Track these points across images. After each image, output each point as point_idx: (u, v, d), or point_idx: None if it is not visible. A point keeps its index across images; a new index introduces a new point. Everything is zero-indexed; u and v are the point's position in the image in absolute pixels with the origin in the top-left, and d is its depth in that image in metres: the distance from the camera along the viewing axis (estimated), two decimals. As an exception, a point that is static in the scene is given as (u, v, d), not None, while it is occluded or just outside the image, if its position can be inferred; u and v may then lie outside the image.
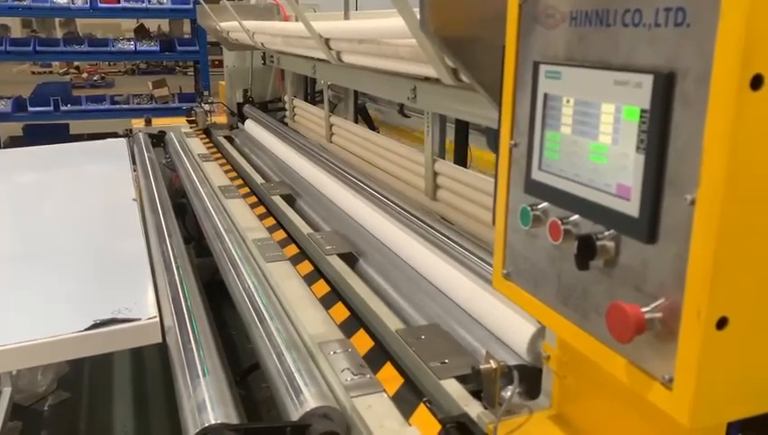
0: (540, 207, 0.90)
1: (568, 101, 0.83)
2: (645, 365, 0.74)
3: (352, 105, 3.15)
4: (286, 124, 3.68)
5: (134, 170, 3.04)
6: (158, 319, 1.50)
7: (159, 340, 1.51)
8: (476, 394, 1.23)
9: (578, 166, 0.82)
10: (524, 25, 0.92)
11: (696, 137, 0.65)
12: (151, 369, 2.55)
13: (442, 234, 1.80)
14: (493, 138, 2.27)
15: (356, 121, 3.16)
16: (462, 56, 1.16)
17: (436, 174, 2.15)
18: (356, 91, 3.14)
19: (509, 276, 1.01)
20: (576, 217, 0.84)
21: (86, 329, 1.44)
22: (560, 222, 0.84)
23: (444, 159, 2.18)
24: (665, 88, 0.68)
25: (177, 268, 1.83)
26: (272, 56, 3.72)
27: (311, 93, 3.86)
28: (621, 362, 0.78)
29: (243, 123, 3.94)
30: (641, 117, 0.71)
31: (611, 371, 0.80)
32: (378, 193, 2.19)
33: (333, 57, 2.13)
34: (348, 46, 2.02)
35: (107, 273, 1.77)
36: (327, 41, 2.10)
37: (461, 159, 2.25)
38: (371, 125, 3.34)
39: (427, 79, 1.99)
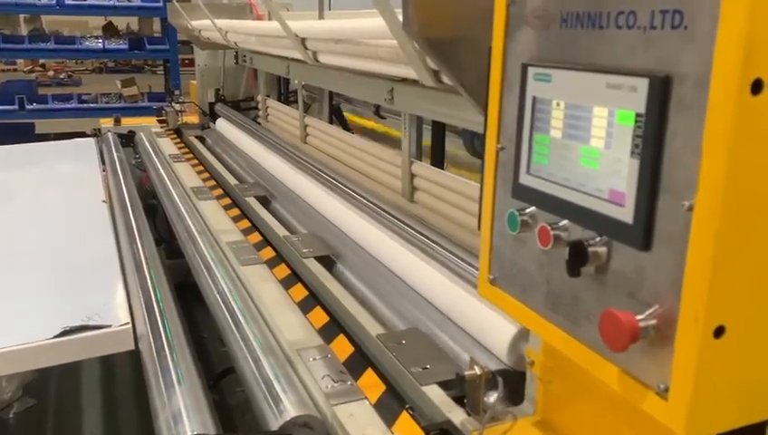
0: (528, 211, 0.88)
1: (558, 105, 0.81)
2: (639, 374, 0.73)
3: (327, 106, 3.12)
4: (259, 124, 3.64)
5: (103, 171, 2.98)
6: (130, 325, 1.46)
7: (132, 347, 1.46)
8: (459, 400, 1.21)
9: (568, 170, 0.81)
10: (512, 27, 0.90)
11: (693, 142, 0.64)
12: (122, 375, 2.48)
13: (421, 234, 1.77)
14: (469, 140, 2.27)
15: (330, 122, 3.13)
16: (445, 57, 1.14)
17: (413, 176, 2.13)
18: (331, 92, 3.11)
19: (495, 282, 0.99)
20: (566, 222, 0.82)
21: (55, 336, 1.40)
22: (549, 227, 0.83)
23: (420, 160, 2.17)
24: (661, 92, 0.66)
25: (149, 272, 1.79)
26: (244, 56, 3.67)
27: (284, 93, 3.82)
28: (614, 370, 0.76)
29: (214, 123, 3.88)
30: (636, 121, 0.70)
31: (603, 379, 0.78)
32: (355, 193, 2.16)
33: (309, 57, 2.10)
34: (324, 46, 1.99)
35: (77, 277, 1.71)
36: (303, 41, 2.07)
37: (438, 160, 2.23)
38: (345, 126, 3.31)
39: (404, 80, 1.98)
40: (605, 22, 0.74)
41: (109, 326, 1.44)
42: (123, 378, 2.25)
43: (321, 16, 2.73)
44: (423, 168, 2.09)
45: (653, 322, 0.71)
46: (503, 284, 0.97)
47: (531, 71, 0.85)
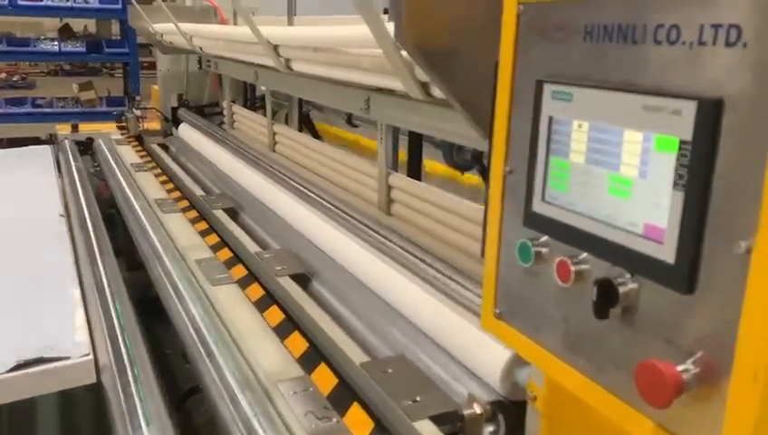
0: (542, 242, 0.80)
1: (580, 126, 0.73)
2: (680, 430, 0.65)
3: (296, 113, 3.01)
4: (224, 130, 3.50)
5: (59, 179, 2.81)
6: (91, 356, 1.34)
7: (94, 380, 1.34)
8: (453, 436, 1.13)
9: (593, 199, 0.72)
10: (523, 39, 0.82)
11: (751, 175, 0.56)
12: (80, 406, 2.28)
13: (404, 250, 1.68)
14: (448, 152, 2.18)
15: (300, 130, 3.02)
16: (439, 70, 1.05)
17: (390, 187, 2.04)
18: (301, 99, 3.00)
19: (502, 316, 0.90)
20: (588, 256, 0.74)
21: (8, 371, 1.27)
22: (570, 262, 0.74)
23: (396, 171, 2.08)
24: (712, 117, 0.59)
25: (112, 296, 1.66)
26: (209, 60, 3.53)
27: (250, 99, 3.69)
28: (648, 425, 0.68)
29: (177, 129, 3.73)
30: (681, 149, 0.62)
31: (634, 433, 0.70)
32: (330, 205, 2.06)
33: (282, 65, 1.99)
34: (300, 54, 1.88)
35: (31, 302, 1.58)
36: (275, 47, 1.96)
37: (415, 172, 2.15)
38: (315, 134, 3.20)
39: (380, 89, 1.89)
40: (640, 36, 0.66)
41: (68, 358, 1.32)
42: (82, 412, 2.07)
43: (290, 22, 2.63)
44: (400, 179, 2.00)
45: (695, 372, 0.63)
46: (510, 319, 0.89)
47: (547, 88, 0.77)
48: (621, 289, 0.69)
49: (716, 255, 0.60)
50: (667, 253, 0.64)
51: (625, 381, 0.71)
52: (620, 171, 0.69)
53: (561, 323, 0.80)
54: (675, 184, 0.63)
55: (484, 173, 2.08)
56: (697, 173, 0.60)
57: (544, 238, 0.80)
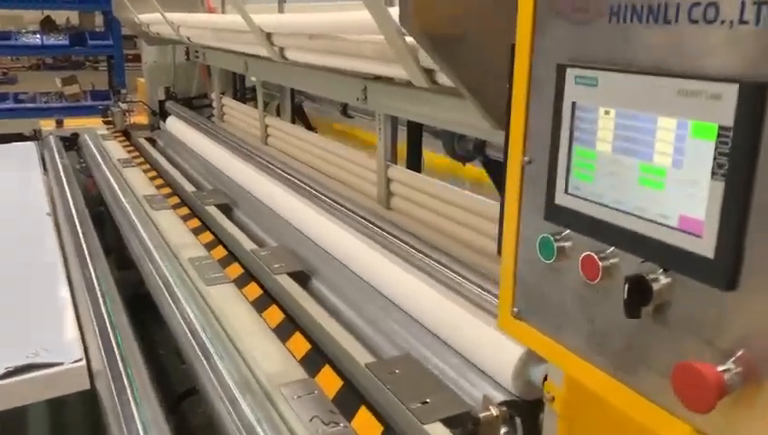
0: (565, 236, 0.76)
1: (607, 113, 0.68)
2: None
3: (289, 104, 2.95)
4: (214, 123, 3.43)
5: (44, 176, 2.74)
6: (84, 362, 1.29)
7: (87, 386, 1.29)
8: (466, 439, 1.09)
9: (621, 191, 0.68)
10: (542, 20, 0.77)
11: (802, 163, 0.52)
12: (72, 411, 2.20)
13: (407, 244, 1.63)
14: (449, 142, 2.13)
15: (293, 122, 2.96)
16: (447, 56, 1.00)
17: (389, 180, 1.99)
18: (293, 90, 2.94)
19: (521, 315, 0.86)
20: (615, 250, 0.70)
21: (-2, 379, 1.21)
22: (597, 257, 0.70)
23: (396, 163, 2.03)
24: (756, 101, 0.54)
25: (103, 296, 1.60)
26: (197, 51, 3.46)
27: (240, 91, 3.62)
28: (686, 430, 0.64)
29: (165, 122, 3.66)
30: (720, 136, 0.57)
31: (669, 438, 0.66)
32: (327, 199, 2.01)
33: (275, 54, 1.93)
34: (294, 42, 1.82)
35: (19, 305, 1.52)
36: (269, 36, 1.90)
37: (414, 164, 2.10)
38: (308, 126, 3.14)
39: (378, 78, 1.84)
40: (673, 15, 0.61)
41: (60, 364, 1.26)
42: (75, 416, 2.01)
43: (280, 9, 2.56)
44: (400, 172, 1.95)
45: (738, 370, 0.59)
46: (530, 318, 0.85)
47: (570, 73, 0.72)
48: (654, 286, 0.64)
49: (761, 248, 0.56)
50: (705, 247, 0.60)
51: (659, 383, 0.67)
52: (652, 161, 0.64)
53: (586, 322, 0.75)
54: (714, 173, 0.58)
55: (488, 164, 2.04)
56: (739, 161, 0.56)
57: (567, 232, 0.76)
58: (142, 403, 1.20)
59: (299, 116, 3.10)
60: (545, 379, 1.08)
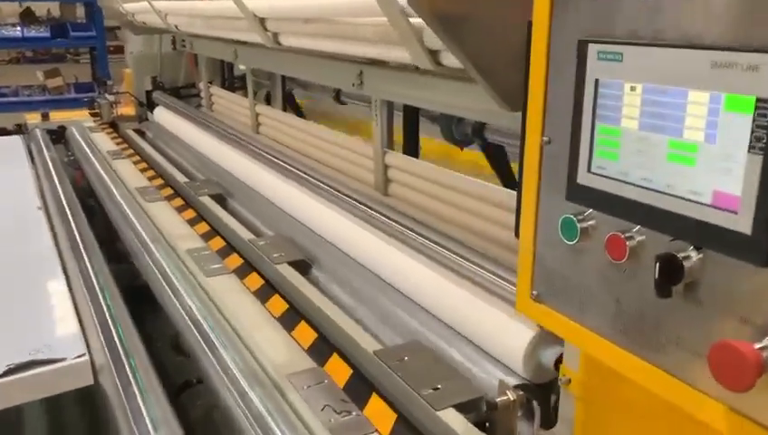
0: (588, 216, 0.74)
1: (633, 89, 0.67)
2: (760, 415, 0.60)
3: (280, 92, 2.91)
4: (204, 113, 3.39)
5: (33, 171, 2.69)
6: (87, 357, 1.26)
7: (91, 381, 1.26)
8: (480, 426, 1.08)
9: (649, 168, 0.66)
10: (561, -5, 0.75)
11: None
12: (70, 407, 2.15)
13: (407, 228, 1.61)
14: (447, 126, 2.11)
15: (284, 110, 2.93)
16: (457, 37, 0.98)
17: (387, 167, 1.97)
18: (284, 77, 2.90)
19: (540, 298, 0.84)
20: (642, 229, 0.68)
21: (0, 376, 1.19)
22: (623, 237, 0.68)
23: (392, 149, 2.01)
24: (797, 71, 0.53)
25: (101, 289, 1.57)
26: (183, 40, 3.41)
27: (228, 79, 3.58)
28: (720, 410, 0.63)
29: (152, 113, 3.61)
30: (758, 109, 0.56)
31: (702, 418, 0.65)
32: (324, 185, 1.98)
33: (269, 39, 1.90)
34: (289, 27, 1.79)
35: (19, 302, 1.49)
36: (262, 21, 1.86)
37: (412, 149, 2.08)
38: (299, 113, 3.10)
39: (374, 62, 1.81)
40: (704, -16, 0.59)
41: (63, 360, 1.24)
42: (72, 419, 1.95)
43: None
44: (398, 158, 1.93)
45: (775, 347, 0.58)
46: (550, 301, 0.83)
47: (592, 48, 0.70)
48: (686, 264, 0.63)
49: (802, 224, 0.55)
50: (742, 223, 0.59)
51: (690, 362, 0.65)
52: (682, 136, 0.63)
53: (611, 302, 0.74)
54: (751, 147, 0.57)
55: (486, 148, 2.03)
56: (780, 134, 0.55)
57: (590, 212, 0.74)
58: (148, 396, 1.18)
59: (290, 104, 3.06)
60: (558, 362, 1.07)
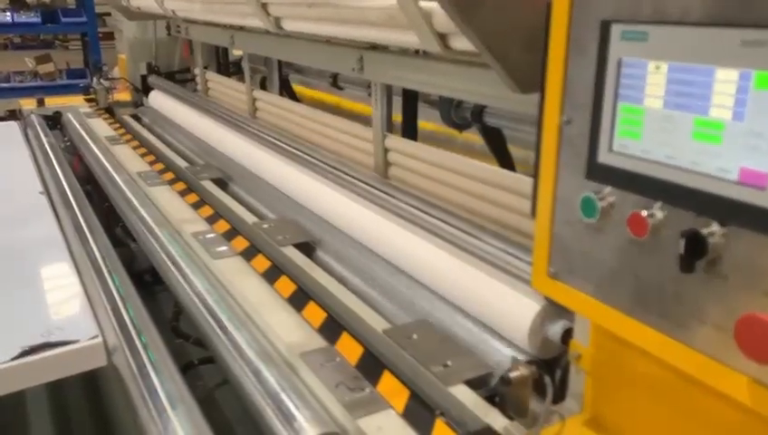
0: (608, 194, 0.76)
1: (658, 68, 0.68)
2: (781, 386, 0.62)
3: (277, 78, 2.90)
4: (200, 97, 3.37)
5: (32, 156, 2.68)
6: (101, 338, 1.27)
7: (104, 362, 1.27)
8: (491, 400, 1.10)
9: (674, 146, 0.68)
10: (582, -24, 0.76)
11: None
12: (74, 396, 2.14)
13: (410, 205, 1.62)
14: (446, 110, 2.12)
15: (281, 95, 2.92)
16: (469, 18, 0.99)
17: (387, 150, 1.97)
18: (280, 62, 2.89)
19: (557, 276, 0.86)
20: (664, 206, 0.70)
21: (14, 358, 1.19)
22: (645, 214, 0.70)
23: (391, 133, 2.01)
24: (826, 48, 0.54)
25: (109, 271, 1.57)
26: (178, 26, 3.38)
27: (224, 65, 3.56)
28: (743, 381, 0.65)
29: (148, 98, 3.59)
30: (787, 86, 0.57)
31: (725, 390, 0.67)
32: (325, 165, 1.99)
33: (271, 24, 1.90)
34: (292, 11, 1.79)
35: (28, 285, 1.49)
36: (264, 5, 1.86)
37: (411, 133, 2.08)
38: (294, 99, 3.09)
39: (374, 47, 1.81)
40: (732, -37, 0.61)
41: (76, 341, 1.24)
42: (76, 402, 1.95)
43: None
44: (398, 141, 1.94)
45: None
46: (567, 278, 0.85)
47: (615, 28, 0.72)
48: (710, 240, 0.65)
49: (828, 198, 0.57)
50: (768, 198, 0.60)
51: (713, 335, 0.67)
52: (709, 114, 0.64)
53: (631, 278, 0.76)
54: (779, 124, 0.58)
55: (486, 131, 2.04)
56: (809, 111, 0.56)
57: (610, 190, 0.76)
58: (162, 375, 1.19)
59: (286, 89, 3.06)
60: (565, 336, 1.09)
